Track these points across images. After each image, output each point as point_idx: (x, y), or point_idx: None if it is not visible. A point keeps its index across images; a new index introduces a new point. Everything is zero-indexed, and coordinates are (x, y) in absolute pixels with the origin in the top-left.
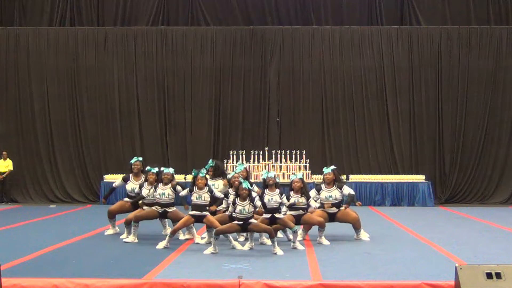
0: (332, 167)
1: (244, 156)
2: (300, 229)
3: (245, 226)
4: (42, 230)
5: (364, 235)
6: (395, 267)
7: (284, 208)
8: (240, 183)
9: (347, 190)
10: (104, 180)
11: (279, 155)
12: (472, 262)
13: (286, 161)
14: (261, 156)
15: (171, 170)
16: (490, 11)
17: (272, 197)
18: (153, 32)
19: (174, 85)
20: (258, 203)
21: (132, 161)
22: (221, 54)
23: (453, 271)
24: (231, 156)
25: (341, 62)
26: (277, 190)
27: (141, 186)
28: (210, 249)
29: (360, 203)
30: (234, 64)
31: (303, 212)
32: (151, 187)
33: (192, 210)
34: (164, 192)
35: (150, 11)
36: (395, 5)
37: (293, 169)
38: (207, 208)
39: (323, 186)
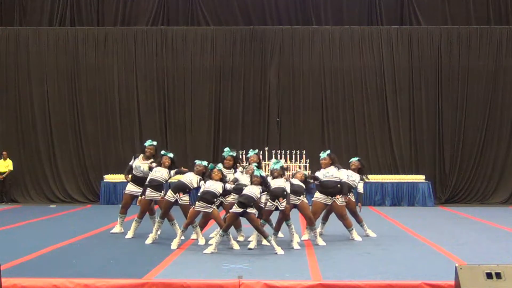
0: (328, 151)
1: (244, 156)
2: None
3: (243, 214)
4: (42, 230)
5: (356, 235)
6: (395, 267)
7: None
8: (253, 171)
9: (343, 175)
10: (104, 180)
11: (279, 155)
12: (472, 262)
13: (286, 161)
14: (261, 156)
15: (205, 162)
16: (490, 11)
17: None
18: (153, 32)
19: (174, 85)
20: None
21: (147, 144)
22: (221, 54)
23: (453, 271)
24: None
25: (341, 62)
26: (283, 179)
27: (151, 169)
28: (210, 249)
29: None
30: (234, 64)
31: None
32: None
33: (201, 200)
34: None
35: (150, 11)
36: (395, 5)
37: (293, 169)
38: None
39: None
